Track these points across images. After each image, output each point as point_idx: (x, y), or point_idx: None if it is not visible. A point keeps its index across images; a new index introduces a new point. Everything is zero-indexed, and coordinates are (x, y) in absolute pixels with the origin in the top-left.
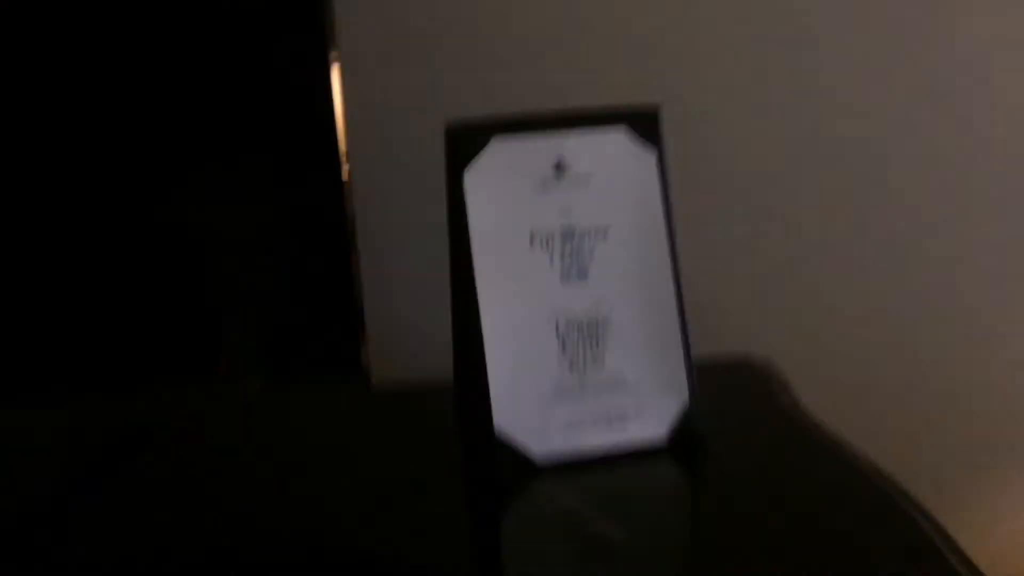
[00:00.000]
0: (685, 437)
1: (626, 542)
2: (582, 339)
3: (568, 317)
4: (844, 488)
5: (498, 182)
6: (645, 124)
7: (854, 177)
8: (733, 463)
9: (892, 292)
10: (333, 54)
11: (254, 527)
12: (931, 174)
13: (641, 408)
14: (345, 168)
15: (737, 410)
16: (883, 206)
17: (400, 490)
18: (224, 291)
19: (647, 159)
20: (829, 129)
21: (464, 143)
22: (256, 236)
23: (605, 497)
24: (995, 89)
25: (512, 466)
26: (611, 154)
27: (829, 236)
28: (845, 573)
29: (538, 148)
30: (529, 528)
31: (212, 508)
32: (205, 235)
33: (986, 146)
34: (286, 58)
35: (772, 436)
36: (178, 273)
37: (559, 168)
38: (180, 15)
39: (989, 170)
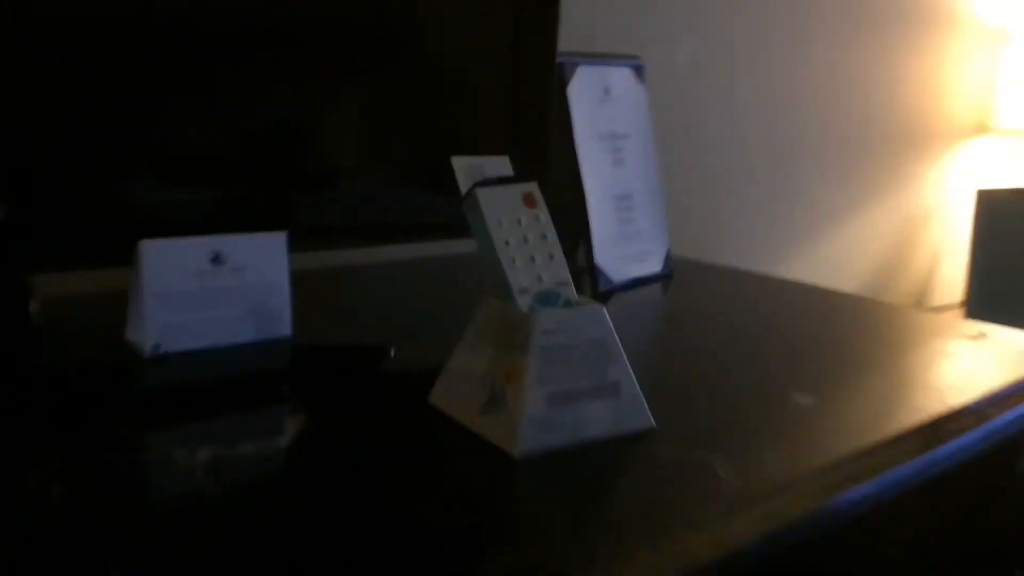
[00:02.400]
0: (668, 268)
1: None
2: (624, 206)
3: (615, 192)
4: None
5: (581, 98)
6: (638, 68)
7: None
8: (691, 285)
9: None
10: None
11: None
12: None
13: (652, 251)
14: None
15: None
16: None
17: None
18: None
19: (641, 91)
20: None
21: (562, 68)
22: None
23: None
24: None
25: (602, 285)
26: (624, 85)
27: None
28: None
29: (598, 76)
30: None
31: None
32: None
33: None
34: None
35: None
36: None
37: (606, 92)
38: None
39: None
